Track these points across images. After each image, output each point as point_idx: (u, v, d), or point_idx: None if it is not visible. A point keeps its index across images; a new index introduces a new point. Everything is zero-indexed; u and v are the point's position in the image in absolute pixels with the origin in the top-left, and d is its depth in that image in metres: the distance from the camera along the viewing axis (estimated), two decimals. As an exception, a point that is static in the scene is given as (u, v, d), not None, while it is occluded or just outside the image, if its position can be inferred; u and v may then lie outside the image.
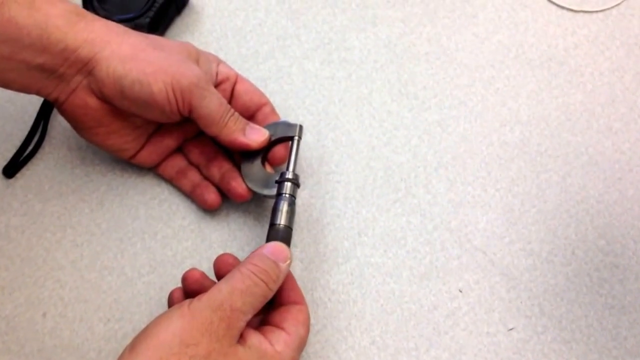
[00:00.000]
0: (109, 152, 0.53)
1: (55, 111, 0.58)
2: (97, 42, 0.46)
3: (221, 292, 0.42)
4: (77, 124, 0.50)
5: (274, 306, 0.47)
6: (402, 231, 0.55)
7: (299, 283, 0.50)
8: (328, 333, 0.51)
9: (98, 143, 0.52)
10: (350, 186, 0.57)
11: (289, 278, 0.47)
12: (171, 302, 0.48)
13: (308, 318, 0.46)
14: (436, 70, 0.62)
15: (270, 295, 0.44)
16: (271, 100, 0.55)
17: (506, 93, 0.60)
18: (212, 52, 0.55)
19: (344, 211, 0.56)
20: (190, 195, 0.55)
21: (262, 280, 0.43)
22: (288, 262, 0.45)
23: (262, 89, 0.55)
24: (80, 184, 0.56)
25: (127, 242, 0.54)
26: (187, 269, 0.49)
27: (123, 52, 0.47)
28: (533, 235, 0.55)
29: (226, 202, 0.54)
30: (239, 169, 0.53)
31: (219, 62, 0.54)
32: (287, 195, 0.49)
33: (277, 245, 0.46)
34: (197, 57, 0.51)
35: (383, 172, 0.57)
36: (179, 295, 0.48)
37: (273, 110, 0.55)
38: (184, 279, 0.47)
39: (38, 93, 0.48)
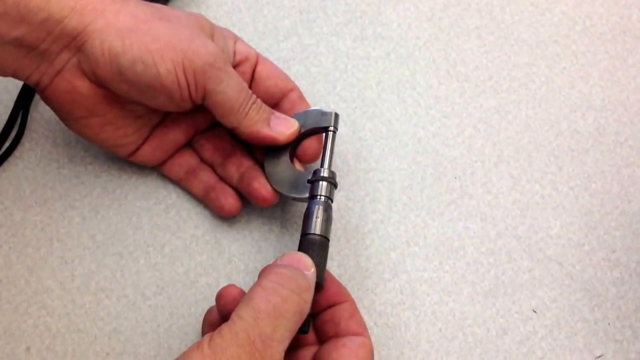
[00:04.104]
0: (104, 148, 0.49)
1: (36, 99, 0.54)
2: (89, 11, 0.42)
3: (243, 319, 0.37)
4: (64, 113, 0.46)
5: (329, 337, 0.43)
6: (460, 239, 0.50)
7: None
8: (377, 365, 0.47)
9: (90, 137, 0.47)
10: (395, 186, 0.52)
11: (349, 304, 0.44)
12: (205, 326, 0.44)
13: (371, 353, 0.42)
14: (490, 47, 0.57)
15: (307, 309, 0.39)
16: (294, 85, 0.52)
17: (574, 73, 0.56)
18: (223, 28, 0.52)
19: (389, 216, 0.51)
20: (204, 200, 0.51)
21: (292, 292, 0.38)
22: (312, 270, 0.41)
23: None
24: (68, 187, 0.52)
25: (127, 257, 0.50)
26: (202, 288, 0.48)
27: (121, 24, 0.42)
28: (618, 243, 0.50)
29: (247, 207, 0.50)
30: (261, 167, 0.49)
31: (236, 39, 0.50)
32: (322, 198, 0.45)
33: (293, 255, 0.41)
34: (212, 32, 0.47)
35: (433, 168, 0.52)
36: (213, 317, 0.44)
37: (301, 97, 0.50)
38: (219, 298, 0.42)
39: (15, 75, 0.44)
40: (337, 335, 0.42)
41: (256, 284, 0.38)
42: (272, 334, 0.36)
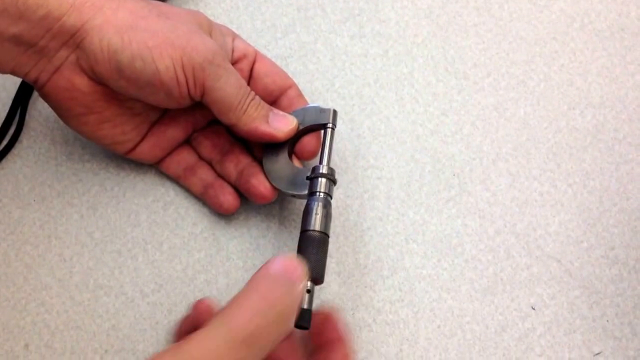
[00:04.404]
0: (102, 145, 0.48)
1: (35, 96, 0.54)
2: (87, 8, 0.41)
3: (214, 340, 0.33)
4: (63, 110, 0.45)
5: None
6: (458, 236, 0.50)
7: (336, 301, 0.47)
8: (375, 362, 0.46)
9: (88, 134, 0.47)
10: (393, 183, 0.51)
11: (342, 353, 0.41)
12: (179, 334, 0.43)
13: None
14: (488, 44, 0.56)
15: (287, 332, 0.36)
16: (292, 82, 0.50)
17: (573, 70, 0.55)
18: (221, 26, 0.51)
19: (387, 213, 0.50)
20: (202, 197, 0.50)
21: (277, 317, 0.35)
22: (305, 281, 0.38)
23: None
24: (67, 185, 0.51)
25: (126, 254, 0.49)
26: (200, 285, 0.47)
27: (120, 20, 0.42)
28: (616, 240, 0.50)
29: (245, 204, 0.50)
30: (260, 164, 0.48)
31: (235, 36, 0.50)
32: (321, 195, 0.44)
33: (286, 261, 0.37)
34: (210, 28, 0.47)
35: (431, 165, 0.52)
36: (187, 326, 0.42)
37: (300, 94, 0.50)
38: (193, 309, 0.42)
39: (13, 72, 0.43)
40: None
41: (236, 302, 0.35)
42: (245, 358, 0.33)
